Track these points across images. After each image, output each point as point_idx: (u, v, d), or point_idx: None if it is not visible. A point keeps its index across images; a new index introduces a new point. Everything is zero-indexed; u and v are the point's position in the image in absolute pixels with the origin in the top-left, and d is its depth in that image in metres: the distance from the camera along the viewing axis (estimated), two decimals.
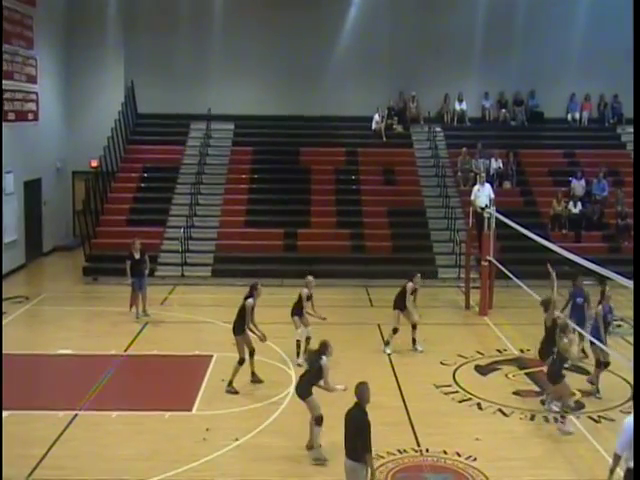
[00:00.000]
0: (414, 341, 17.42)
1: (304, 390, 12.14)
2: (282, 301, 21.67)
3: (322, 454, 11.89)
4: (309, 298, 16.74)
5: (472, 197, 23.62)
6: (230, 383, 14.81)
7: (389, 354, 17.08)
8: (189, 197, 27.17)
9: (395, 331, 17.28)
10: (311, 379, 12.16)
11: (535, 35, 30.40)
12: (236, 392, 14.71)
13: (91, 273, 24.46)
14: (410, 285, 17.26)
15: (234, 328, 15.06)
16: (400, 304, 17.34)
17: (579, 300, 16.35)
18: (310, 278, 16.81)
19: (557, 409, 13.66)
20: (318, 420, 11.95)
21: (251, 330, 15.03)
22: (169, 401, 14.39)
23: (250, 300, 15.01)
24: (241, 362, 14.91)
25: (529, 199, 27.80)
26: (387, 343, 17.41)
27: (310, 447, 12.14)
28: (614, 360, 14.71)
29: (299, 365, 15.88)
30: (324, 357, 12.05)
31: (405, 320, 17.38)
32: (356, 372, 15.55)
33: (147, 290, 20.18)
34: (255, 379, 15.23)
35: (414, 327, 17.39)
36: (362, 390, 9.84)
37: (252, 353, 15.14)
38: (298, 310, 16.72)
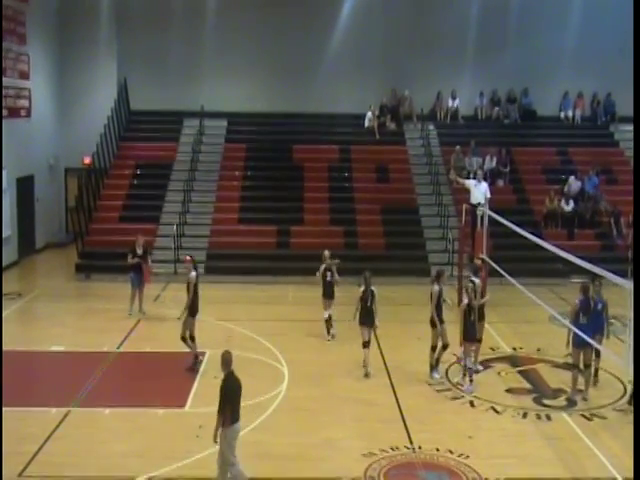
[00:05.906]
0: (437, 362, 15.60)
1: (372, 319, 15.51)
2: (275, 298, 21.77)
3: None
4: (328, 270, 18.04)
5: (466, 182, 22.80)
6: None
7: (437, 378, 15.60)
8: (182, 194, 27.15)
9: (433, 349, 15.56)
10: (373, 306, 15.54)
11: (528, 33, 30.43)
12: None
13: (84, 270, 24.45)
14: (435, 289, 15.36)
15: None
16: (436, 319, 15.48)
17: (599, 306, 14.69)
18: (326, 253, 18.31)
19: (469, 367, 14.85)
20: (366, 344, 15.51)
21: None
22: (162, 398, 14.37)
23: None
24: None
25: (522, 197, 27.84)
26: (434, 365, 15.63)
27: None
28: (607, 358, 14.70)
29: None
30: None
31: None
32: (350, 370, 15.63)
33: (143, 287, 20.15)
34: None
35: (445, 347, 15.53)
36: (230, 357, 10.58)
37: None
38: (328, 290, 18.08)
